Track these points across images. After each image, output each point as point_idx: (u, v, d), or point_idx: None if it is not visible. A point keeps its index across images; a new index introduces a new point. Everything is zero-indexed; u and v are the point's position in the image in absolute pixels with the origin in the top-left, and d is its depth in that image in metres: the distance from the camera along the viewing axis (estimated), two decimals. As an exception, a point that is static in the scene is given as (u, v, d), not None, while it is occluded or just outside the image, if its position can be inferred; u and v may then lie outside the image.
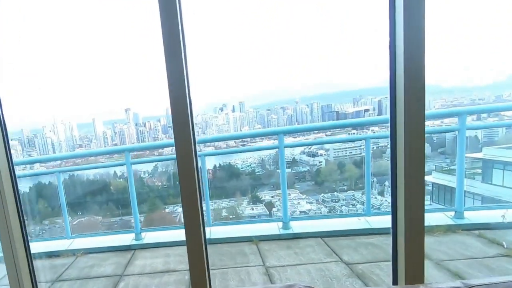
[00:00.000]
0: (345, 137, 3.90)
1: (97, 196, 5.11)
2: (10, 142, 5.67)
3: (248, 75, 3.89)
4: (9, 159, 1.98)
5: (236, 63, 3.85)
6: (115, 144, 4.62)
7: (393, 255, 1.65)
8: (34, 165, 5.23)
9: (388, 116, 1.57)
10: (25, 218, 2.08)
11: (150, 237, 4.19)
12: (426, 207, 1.61)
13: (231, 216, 4.43)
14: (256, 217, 4.27)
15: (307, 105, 3.82)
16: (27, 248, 2.07)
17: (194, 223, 1.71)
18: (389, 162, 1.56)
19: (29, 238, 2.15)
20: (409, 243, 1.55)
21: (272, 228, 3.83)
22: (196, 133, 1.66)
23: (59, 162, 5.18)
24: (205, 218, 1.76)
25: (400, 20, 1.40)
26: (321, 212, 4.02)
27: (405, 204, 1.47)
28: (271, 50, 3.75)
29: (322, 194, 4.05)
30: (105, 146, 4.68)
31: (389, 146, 1.64)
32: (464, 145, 3.19)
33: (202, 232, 1.73)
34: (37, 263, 3.93)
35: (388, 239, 3.08)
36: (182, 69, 1.64)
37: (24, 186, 5.32)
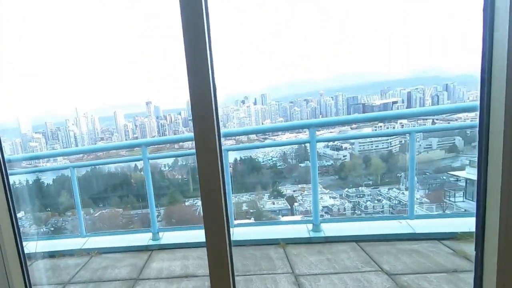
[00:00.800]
0: (387, 131, 3.66)
1: (118, 189, 5.15)
2: (34, 135, 5.75)
3: (270, 66, 3.81)
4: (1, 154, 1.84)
5: (258, 54, 3.77)
6: (136, 137, 4.63)
7: (477, 266, 1.40)
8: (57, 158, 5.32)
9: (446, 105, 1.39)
10: (32, 211, 1.97)
11: (168, 237, 4.01)
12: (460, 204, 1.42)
13: (251, 211, 4.37)
14: (277, 211, 4.19)
15: (331, 97, 3.70)
16: (19, 249, 1.93)
17: (216, 224, 1.60)
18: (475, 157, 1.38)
19: (38, 235, 2.04)
20: (504, 253, 1.29)
21: (301, 230, 3.57)
22: None
23: (78, 155, 5.22)
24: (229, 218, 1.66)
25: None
26: (344, 208, 3.90)
27: (500, 206, 1.24)
28: (294, 40, 3.64)
29: (346, 189, 3.92)
30: (126, 139, 4.70)
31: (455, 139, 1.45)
32: None
33: (226, 234, 1.55)
34: (50, 262, 3.98)
35: (436, 246, 2.89)
36: (205, 57, 1.52)
37: (48, 178, 5.43)
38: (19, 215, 5.67)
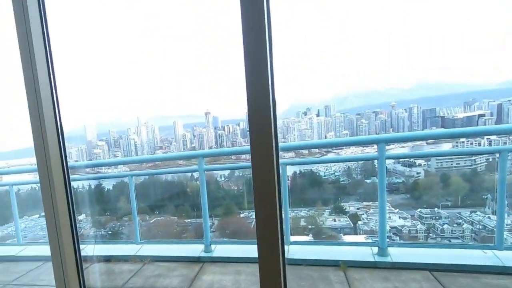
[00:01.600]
0: (472, 149, 3.26)
1: (174, 197, 5.23)
2: (98, 143, 6.04)
3: (335, 76, 3.63)
4: (64, 161, 1.88)
5: (322, 62, 3.61)
6: (194, 147, 4.67)
7: None
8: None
9: None
10: (86, 217, 2.00)
11: (220, 250, 3.97)
12: None
13: (310, 227, 4.16)
14: (339, 229, 3.95)
15: (405, 109, 3.41)
16: (76, 251, 1.96)
17: (269, 240, 1.47)
18: None
19: (97, 238, 2.06)
20: None
21: (365, 252, 3.30)
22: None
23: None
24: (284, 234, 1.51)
25: None
26: (417, 230, 3.55)
27: None
28: (363, 48, 3.43)
29: (419, 209, 3.57)
30: (184, 149, 4.76)
31: None
32: None
33: (280, 251, 1.48)
34: (106, 266, 4.08)
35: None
36: (265, 67, 1.39)
37: (108, 184, 5.68)
38: (80, 217, 6.00)
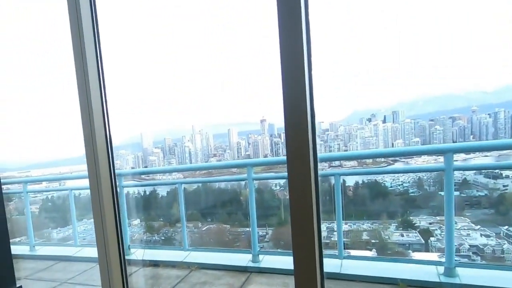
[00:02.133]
0: None
1: (226, 205, 5.21)
2: (154, 150, 6.22)
3: (404, 76, 3.36)
4: (112, 169, 1.96)
5: (390, 63, 3.37)
6: (248, 155, 4.62)
7: None
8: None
9: None
10: (139, 222, 2.07)
11: (268, 260, 3.90)
12: None
13: (373, 241, 3.88)
14: (407, 245, 3.63)
15: (488, 114, 3.06)
16: (121, 255, 2.02)
17: (305, 253, 1.45)
18: None
19: (151, 243, 2.11)
20: None
21: (429, 271, 3.05)
22: (336, 146, 1.31)
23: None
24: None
25: None
26: (503, 250, 3.15)
27: None
28: (437, 43, 3.14)
29: (507, 227, 3.17)
30: (238, 157, 4.74)
31: None
32: None
33: (318, 263, 1.42)
34: (154, 271, 4.12)
35: None
36: (302, 77, 1.35)
37: (163, 191, 5.84)
38: (135, 222, 6.18)
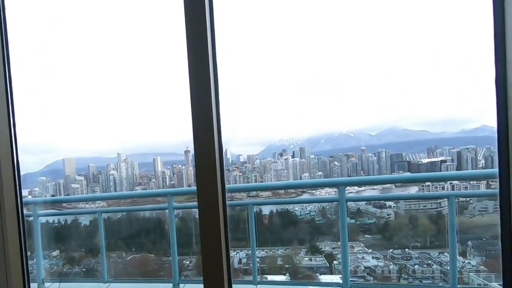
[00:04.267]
0: (422, 193, 3.49)
1: (151, 234, 5.16)
2: (77, 177, 5.96)
3: (310, 119, 3.81)
4: (19, 196, 1.86)
5: (299, 107, 3.79)
6: (173, 184, 4.70)
7: None
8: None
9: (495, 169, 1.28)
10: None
11: None
12: None
13: (286, 266, 4.18)
14: (315, 268, 3.98)
15: (374, 153, 3.60)
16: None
17: (215, 279, 1.55)
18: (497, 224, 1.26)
19: (71, 275, 2.00)
20: None
21: None
22: (253, 177, 1.53)
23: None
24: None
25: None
26: (389, 271, 3.63)
27: None
28: (335, 94, 3.65)
29: (391, 250, 3.67)
30: (163, 186, 4.78)
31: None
32: None
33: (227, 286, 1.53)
34: None
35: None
36: (210, 112, 1.44)
37: (85, 219, 5.57)
38: (54, 253, 5.77)
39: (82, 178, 5.46)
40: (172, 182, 4.70)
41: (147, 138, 4.68)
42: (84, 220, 5.61)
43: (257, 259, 4.10)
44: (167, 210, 4.92)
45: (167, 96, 4.41)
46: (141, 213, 5.30)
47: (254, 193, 4.16)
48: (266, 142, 4.03)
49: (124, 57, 4.38)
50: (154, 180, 4.83)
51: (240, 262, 4.45)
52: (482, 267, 3.22)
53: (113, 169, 5.11)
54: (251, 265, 4.13)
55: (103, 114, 4.66)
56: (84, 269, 5.44)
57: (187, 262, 4.94)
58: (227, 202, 1.56)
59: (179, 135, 4.50)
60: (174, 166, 4.65)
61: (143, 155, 4.92)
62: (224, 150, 1.56)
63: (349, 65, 3.44)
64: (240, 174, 4.06)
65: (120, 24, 3.99)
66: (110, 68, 4.29)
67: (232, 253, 4.73)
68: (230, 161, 4.24)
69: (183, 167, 4.58)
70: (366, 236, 3.78)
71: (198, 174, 1.50)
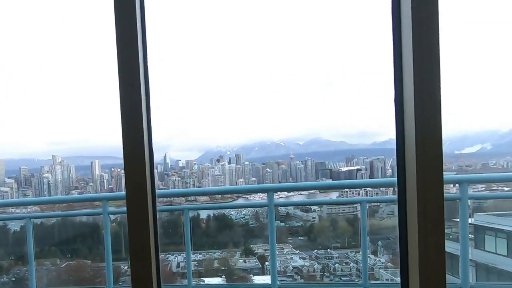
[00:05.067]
0: (338, 199, 3.86)
1: (88, 239, 5.03)
2: (7, 180, 5.65)
3: (245, 127, 4.04)
4: None
5: (238, 117, 4.01)
6: (111, 189, 4.64)
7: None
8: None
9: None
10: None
11: None
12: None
13: (222, 268, 4.34)
14: (249, 270, 4.18)
15: (301, 161, 3.91)
16: None
17: (144, 284, 1.66)
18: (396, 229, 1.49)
19: None
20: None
21: None
22: (192, 182, 1.62)
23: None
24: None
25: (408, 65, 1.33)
26: (314, 270, 3.95)
27: (420, 283, 1.31)
28: (269, 103, 3.92)
29: (316, 250, 4.00)
30: (101, 190, 4.69)
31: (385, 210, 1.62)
32: (467, 214, 3.05)
33: None
34: None
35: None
36: (140, 116, 1.53)
37: (16, 225, 5.27)
38: (-21, 262, 5.37)
39: (13, 181, 5.17)
40: (110, 186, 4.65)
41: (84, 141, 4.59)
42: (14, 226, 5.31)
43: (195, 262, 4.22)
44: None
45: (105, 98, 4.37)
46: (78, 218, 5.14)
47: (193, 197, 4.27)
48: (204, 148, 4.18)
49: (57, 57, 4.28)
50: (91, 184, 4.74)
51: (178, 266, 4.51)
52: (389, 263, 3.65)
53: (48, 172, 4.92)
54: (188, 268, 4.24)
55: (35, 115, 4.48)
56: (14, 279, 5.15)
57: (126, 267, 4.89)
58: (164, 207, 1.61)
59: (118, 138, 4.46)
60: (113, 170, 4.61)
61: (80, 157, 4.79)
62: (163, 155, 1.64)
63: (279, 79, 3.74)
64: (179, 179, 4.15)
65: (53, 22, 3.91)
66: (41, 67, 4.17)
67: (170, 257, 4.80)
68: (170, 166, 4.32)
69: (122, 171, 4.55)
70: (294, 238, 4.07)
71: (127, 178, 1.53)
